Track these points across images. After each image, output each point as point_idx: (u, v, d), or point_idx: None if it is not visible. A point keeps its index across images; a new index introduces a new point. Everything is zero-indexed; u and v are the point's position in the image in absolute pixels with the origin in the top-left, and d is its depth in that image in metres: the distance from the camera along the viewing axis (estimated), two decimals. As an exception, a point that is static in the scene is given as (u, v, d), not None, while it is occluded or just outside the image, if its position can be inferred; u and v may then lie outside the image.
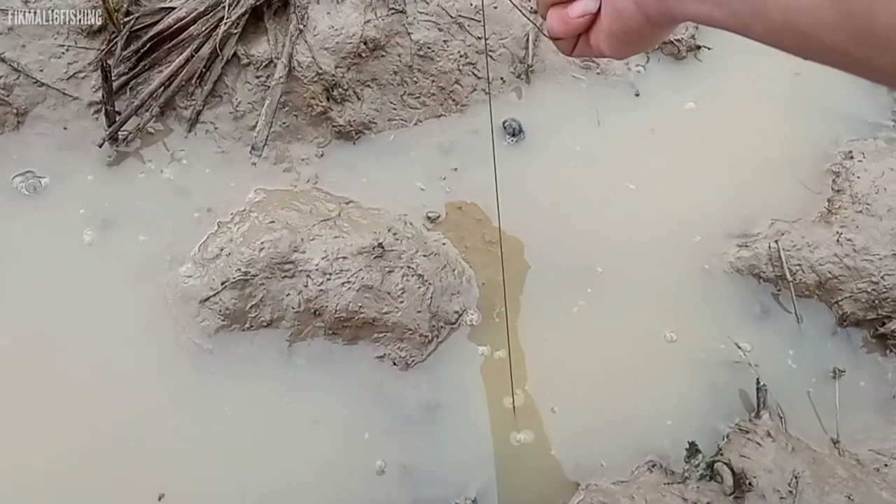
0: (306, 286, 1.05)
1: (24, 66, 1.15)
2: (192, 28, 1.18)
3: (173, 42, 1.18)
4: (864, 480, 1.01)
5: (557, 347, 1.11)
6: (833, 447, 1.07)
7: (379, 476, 1.01)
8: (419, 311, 1.08)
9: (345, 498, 0.99)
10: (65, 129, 1.16)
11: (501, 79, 1.31)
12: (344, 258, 1.06)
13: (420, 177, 1.23)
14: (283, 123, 1.22)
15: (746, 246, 1.20)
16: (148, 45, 1.17)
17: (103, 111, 1.15)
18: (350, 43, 1.20)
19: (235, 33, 1.19)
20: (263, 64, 1.20)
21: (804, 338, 1.15)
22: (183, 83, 1.18)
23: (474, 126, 1.27)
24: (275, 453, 1.01)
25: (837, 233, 1.18)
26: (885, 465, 1.04)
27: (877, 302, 1.14)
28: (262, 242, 1.06)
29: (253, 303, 1.05)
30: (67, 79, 1.17)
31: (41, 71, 1.15)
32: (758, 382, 1.08)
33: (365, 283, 1.06)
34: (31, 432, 0.98)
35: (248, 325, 1.06)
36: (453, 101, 1.28)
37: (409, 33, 1.25)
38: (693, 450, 1.02)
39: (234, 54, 1.20)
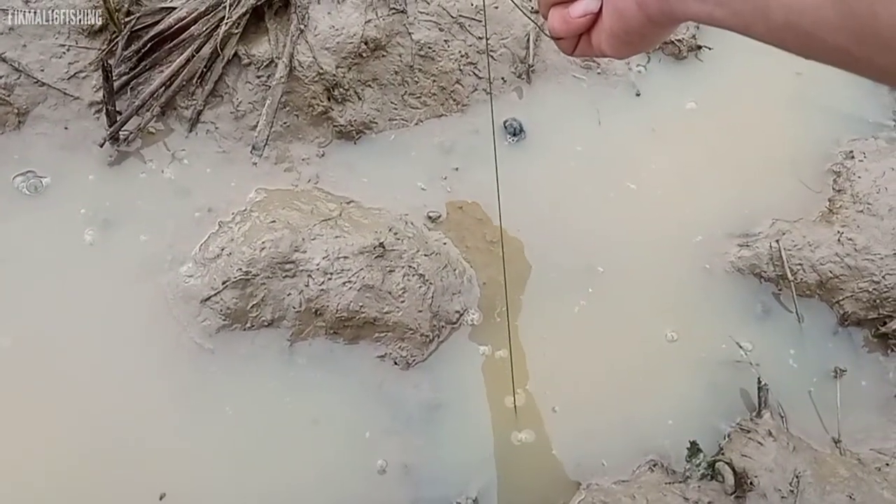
0: (307, 286, 1.05)
1: (24, 65, 1.15)
2: (192, 28, 1.18)
3: (174, 42, 1.18)
4: (865, 480, 1.01)
5: (558, 347, 1.11)
6: (834, 446, 1.07)
7: (380, 476, 1.01)
8: (420, 311, 1.08)
9: (345, 498, 1.00)
10: (66, 128, 1.16)
11: (502, 79, 1.31)
12: (345, 258, 1.06)
13: (421, 176, 1.23)
14: (284, 123, 1.22)
15: (747, 245, 1.20)
16: (149, 45, 1.17)
17: (104, 111, 1.15)
18: (351, 43, 1.20)
19: (236, 33, 1.19)
20: (264, 64, 1.20)
21: (805, 337, 1.15)
22: (184, 83, 1.19)
23: (475, 126, 1.27)
24: (275, 453, 1.01)
25: (838, 232, 1.18)
26: (887, 465, 1.04)
27: (878, 301, 1.14)
28: (263, 242, 1.06)
29: (254, 302, 1.05)
30: (68, 79, 1.17)
31: (42, 71, 1.16)
32: (759, 382, 1.08)
33: (366, 282, 1.06)
34: (31, 432, 0.98)
35: (249, 325, 1.06)
36: (454, 100, 1.28)
37: (409, 33, 1.25)
38: (694, 449, 1.02)
39: (235, 54, 1.20)
